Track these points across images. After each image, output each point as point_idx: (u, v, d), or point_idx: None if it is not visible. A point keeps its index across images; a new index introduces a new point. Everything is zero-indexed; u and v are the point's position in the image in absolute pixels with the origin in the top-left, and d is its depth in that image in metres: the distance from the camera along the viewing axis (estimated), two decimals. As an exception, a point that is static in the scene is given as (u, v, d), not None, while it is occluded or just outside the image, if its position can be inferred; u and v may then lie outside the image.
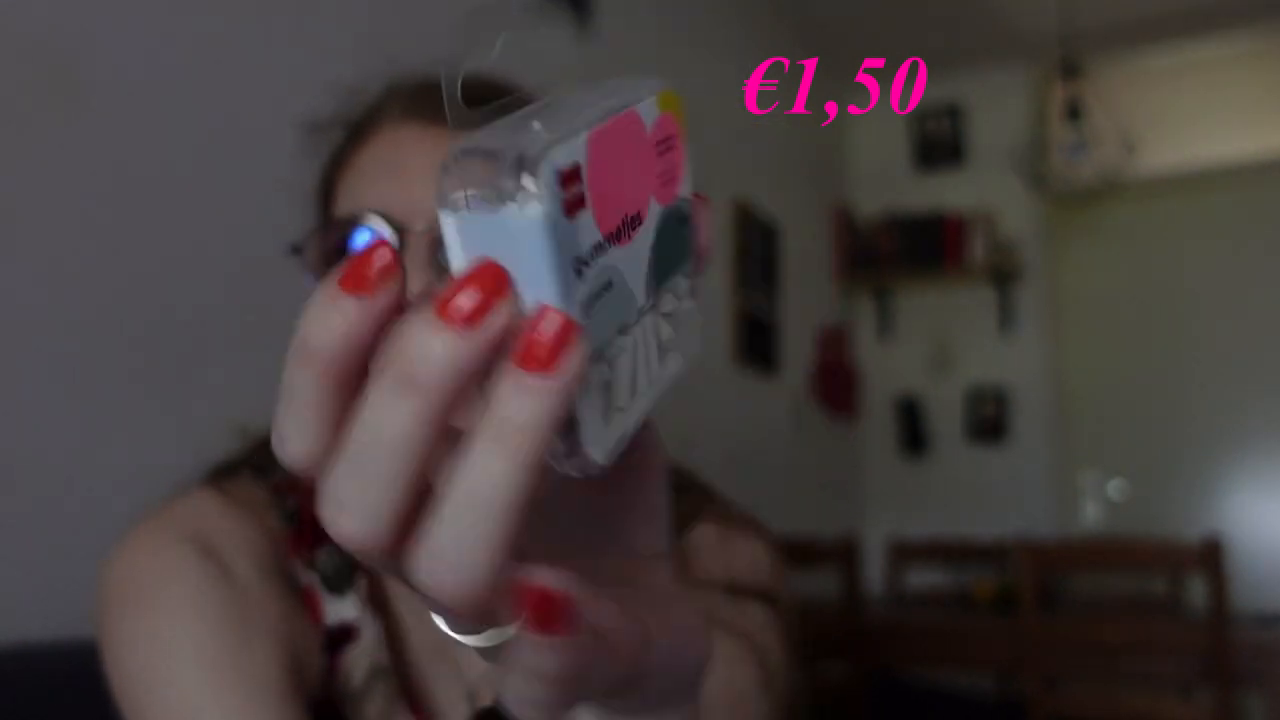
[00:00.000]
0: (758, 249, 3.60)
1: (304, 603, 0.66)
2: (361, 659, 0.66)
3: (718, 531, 0.76)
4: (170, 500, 0.67)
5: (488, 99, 0.52)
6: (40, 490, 1.41)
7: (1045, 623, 2.30)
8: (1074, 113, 3.25)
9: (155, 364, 1.59)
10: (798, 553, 2.74)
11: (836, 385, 4.14)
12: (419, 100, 0.64)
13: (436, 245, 0.60)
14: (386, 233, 0.61)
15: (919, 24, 4.00)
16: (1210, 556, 2.17)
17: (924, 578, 3.84)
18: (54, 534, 1.42)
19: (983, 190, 4.24)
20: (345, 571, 0.69)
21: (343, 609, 0.67)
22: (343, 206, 0.64)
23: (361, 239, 0.61)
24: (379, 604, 0.69)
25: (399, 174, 0.62)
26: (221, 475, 0.71)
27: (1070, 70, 3.29)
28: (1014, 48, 4.18)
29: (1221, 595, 2.14)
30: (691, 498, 0.78)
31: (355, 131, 0.66)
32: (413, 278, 0.59)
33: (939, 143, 4.42)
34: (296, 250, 0.64)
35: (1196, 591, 2.87)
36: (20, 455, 1.39)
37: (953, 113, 4.40)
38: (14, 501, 1.38)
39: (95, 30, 1.54)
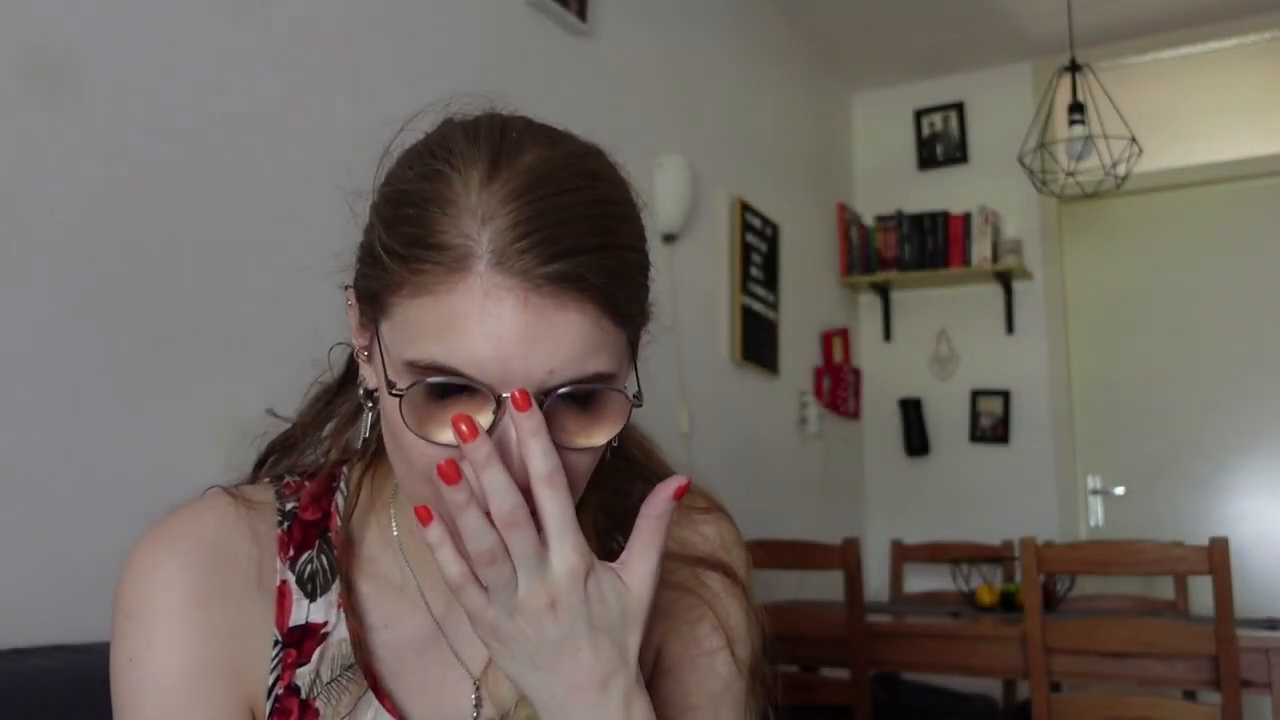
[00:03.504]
0: (759, 248, 3.58)
1: (276, 600, 0.73)
2: (330, 656, 0.73)
3: (679, 509, 0.81)
4: (185, 505, 0.74)
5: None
6: (39, 491, 1.40)
7: (1049, 626, 2.28)
8: (1077, 111, 3.22)
9: (155, 363, 1.57)
10: (799, 555, 2.72)
11: (838, 386, 4.12)
12: (514, 247, 0.60)
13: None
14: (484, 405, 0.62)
15: (922, 22, 3.99)
16: (1216, 560, 2.15)
17: (926, 580, 3.82)
18: (54, 535, 1.40)
19: (986, 189, 4.23)
20: (321, 577, 0.75)
21: (314, 610, 0.74)
22: (428, 343, 0.61)
23: (461, 394, 0.61)
24: (350, 609, 0.74)
25: (497, 341, 0.60)
26: (267, 453, 0.81)
27: (1073, 68, 3.27)
28: (1017, 46, 4.16)
29: (1227, 599, 2.12)
30: (656, 481, 0.81)
31: (441, 260, 0.60)
32: (506, 446, 0.61)
33: (942, 141, 4.41)
34: (393, 391, 0.63)
35: (1202, 595, 2.85)
36: (18, 456, 1.38)
37: (955, 111, 4.38)
38: (13, 502, 1.37)
39: (93, 24, 1.53)
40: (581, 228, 0.61)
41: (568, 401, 0.62)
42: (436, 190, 0.62)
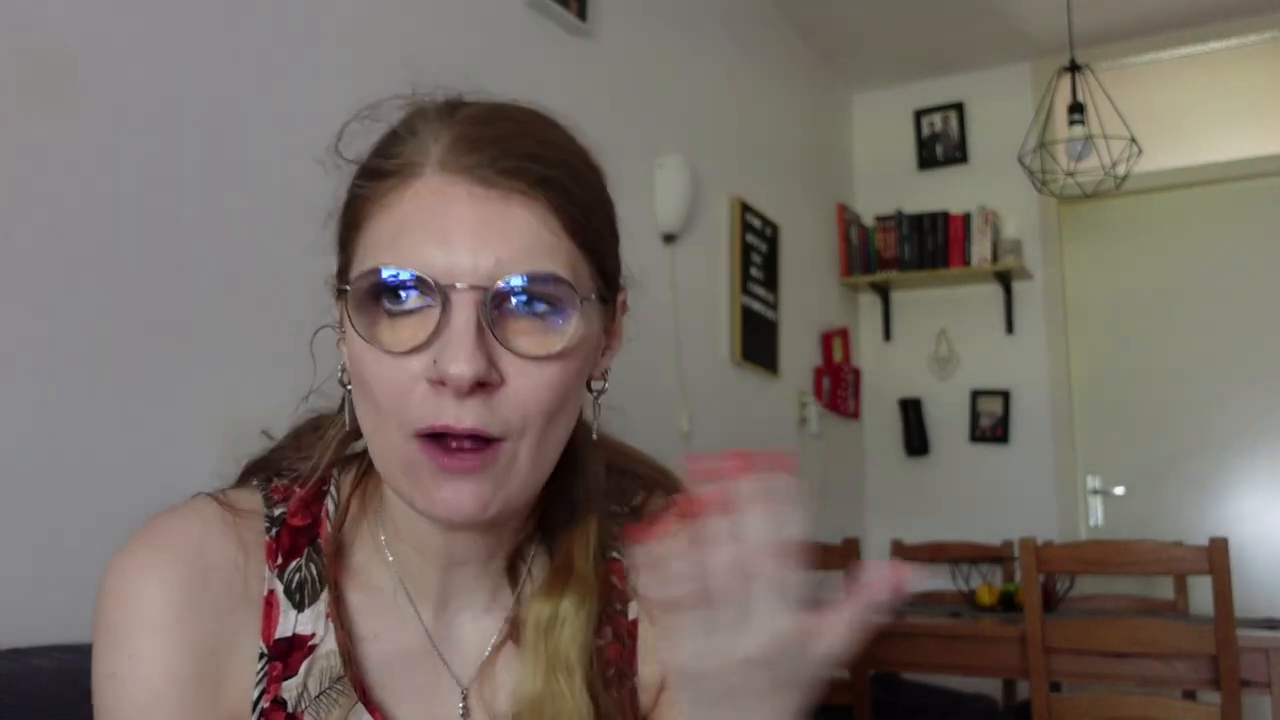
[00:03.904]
0: (759, 248, 3.58)
1: (262, 611, 0.72)
2: (318, 669, 0.72)
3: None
4: (169, 512, 0.73)
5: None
6: (39, 491, 1.40)
7: (1049, 626, 2.28)
8: (1077, 111, 3.23)
9: (155, 363, 1.57)
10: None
11: (838, 386, 4.12)
12: (462, 151, 0.64)
13: (481, 305, 0.62)
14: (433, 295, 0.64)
15: (922, 22, 3.99)
16: (1215, 560, 2.15)
17: (926, 581, 3.81)
18: (54, 535, 1.40)
19: (985, 189, 4.23)
20: (310, 587, 0.74)
21: (302, 621, 0.72)
22: (381, 253, 0.64)
23: (411, 301, 0.63)
24: (339, 619, 0.73)
25: (444, 236, 0.62)
26: (246, 473, 0.80)
27: (1073, 68, 3.27)
28: (1017, 46, 4.16)
29: (1226, 599, 2.12)
30: (662, 494, 0.82)
31: (393, 170, 0.65)
32: (459, 338, 0.61)
33: (941, 141, 4.41)
34: (341, 293, 0.67)
35: (1201, 595, 2.85)
36: (17, 456, 1.38)
37: (955, 111, 4.38)
38: (13, 502, 1.37)
39: (94, 25, 1.53)
40: (531, 143, 0.66)
41: (522, 308, 0.64)
42: (396, 135, 0.68)
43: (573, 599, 0.74)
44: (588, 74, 2.73)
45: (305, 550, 0.74)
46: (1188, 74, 4.11)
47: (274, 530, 0.74)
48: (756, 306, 3.53)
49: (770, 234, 3.67)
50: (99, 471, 1.48)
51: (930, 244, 4.23)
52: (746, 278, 3.47)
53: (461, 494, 0.64)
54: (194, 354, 1.64)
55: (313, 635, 0.72)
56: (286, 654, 0.71)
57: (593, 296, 0.68)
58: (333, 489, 0.77)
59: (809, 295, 4.01)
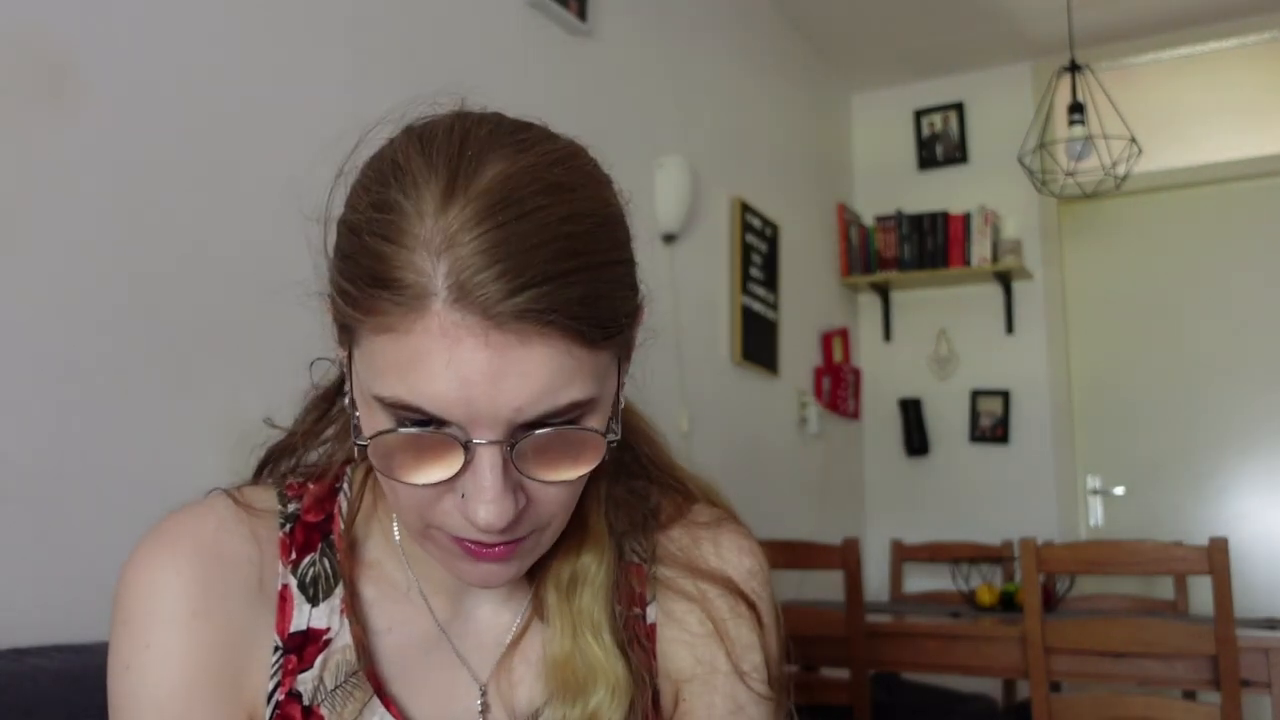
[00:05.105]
0: (759, 248, 3.58)
1: (277, 605, 0.73)
2: (334, 663, 0.72)
3: (691, 534, 0.81)
4: (186, 508, 0.73)
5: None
6: (39, 491, 1.40)
7: (1049, 626, 2.28)
8: (1077, 111, 3.23)
9: (156, 364, 1.57)
10: (799, 555, 2.72)
11: (838, 386, 4.12)
12: (471, 280, 0.57)
13: (504, 451, 0.60)
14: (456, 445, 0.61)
15: (922, 22, 3.99)
16: (1215, 560, 2.15)
17: (926, 580, 3.82)
18: (54, 535, 1.40)
19: (985, 189, 4.23)
20: (324, 581, 0.74)
21: (316, 615, 0.73)
22: (392, 382, 0.59)
23: (430, 457, 0.61)
24: (353, 613, 0.73)
25: (463, 385, 0.58)
26: (265, 460, 0.80)
27: (1073, 68, 3.27)
28: (1017, 46, 4.16)
29: (1226, 599, 2.12)
30: (674, 500, 0.83)
31: (397, 302, 0.58)
32: (486, 488, 0.60)
33: (941, 141, 4.41)
34: (358, 440, 0.64)
35: (1202, 595, 2.85)
36: (18, 456, 1.38)
37: (955, 111, 4.38)
38: (13, 502, 1.37)
39: (95, 27, 1.53)
40: (543, 254, 0.58)
41: (543, 435, 0.61)
42: (390, 222, 0.59)
43: (590, 555, 0.75)
44: (588, 74, 2.73)
45: (319, 545, 0.75)
46: (1188, 74, 4.11)
47: (288, 526, 0.75)
48: (756, 306, 3.53)
49: (770, 234, 3.67)
50: (99, 473, 1.48)
51: (930, 244, 4.23)
52: (746, 278, 3.47)
53: (492, 572, 0.66)
54: (196, 355, 1.64)
55: (327, 629, 0.73)
56: (301, 647, 0.72)
57: (614, 369, 0.66)
58: (346, 485, 0.78)
59: (809, 295, 4.01)
